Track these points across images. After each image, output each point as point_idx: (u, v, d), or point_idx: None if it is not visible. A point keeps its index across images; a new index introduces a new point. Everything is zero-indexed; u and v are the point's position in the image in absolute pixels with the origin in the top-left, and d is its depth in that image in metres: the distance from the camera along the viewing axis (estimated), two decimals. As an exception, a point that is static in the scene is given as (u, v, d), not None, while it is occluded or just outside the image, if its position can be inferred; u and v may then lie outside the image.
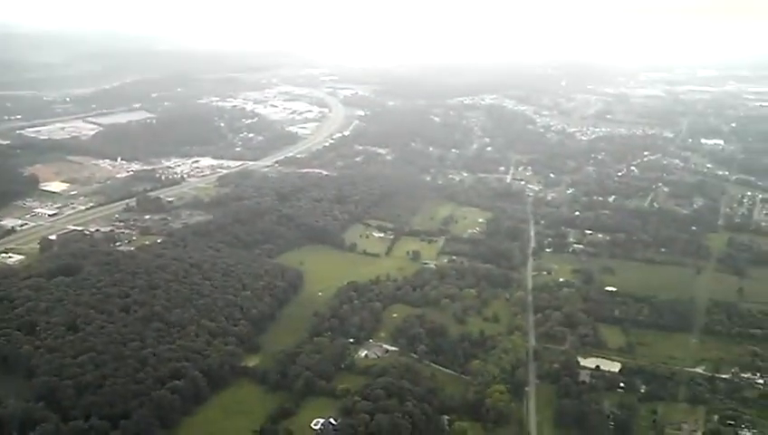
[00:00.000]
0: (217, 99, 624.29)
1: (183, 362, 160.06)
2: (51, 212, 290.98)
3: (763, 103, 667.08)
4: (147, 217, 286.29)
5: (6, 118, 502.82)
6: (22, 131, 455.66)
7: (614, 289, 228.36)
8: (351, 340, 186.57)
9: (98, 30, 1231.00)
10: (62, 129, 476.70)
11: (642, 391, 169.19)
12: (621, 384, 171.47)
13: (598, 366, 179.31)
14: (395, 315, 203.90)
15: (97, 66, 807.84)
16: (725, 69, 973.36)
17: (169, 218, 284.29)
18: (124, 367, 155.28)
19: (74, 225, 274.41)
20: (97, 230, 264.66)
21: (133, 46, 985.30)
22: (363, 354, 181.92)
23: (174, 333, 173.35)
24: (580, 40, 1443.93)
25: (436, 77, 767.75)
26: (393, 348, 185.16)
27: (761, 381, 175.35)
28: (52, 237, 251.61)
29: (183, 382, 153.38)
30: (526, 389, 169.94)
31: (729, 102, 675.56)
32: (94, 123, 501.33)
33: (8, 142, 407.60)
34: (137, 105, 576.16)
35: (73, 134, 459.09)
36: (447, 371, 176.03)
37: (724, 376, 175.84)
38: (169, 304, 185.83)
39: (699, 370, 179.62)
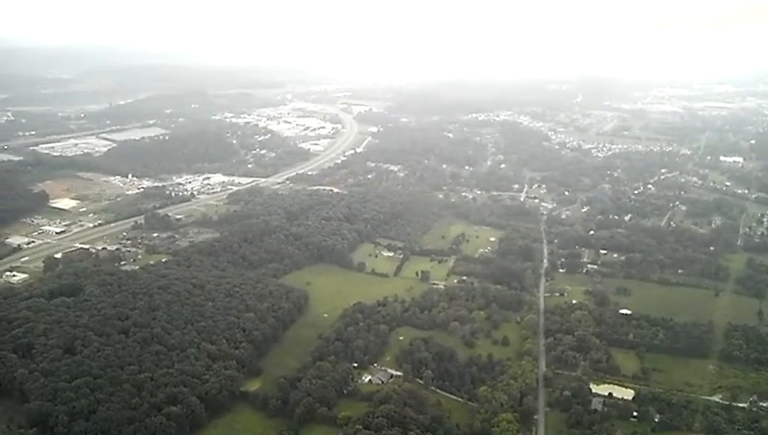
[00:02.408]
0: (231, 115, 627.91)
1: (180, 387, 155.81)
2: (58, 230, 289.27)
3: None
4: (154, 234, 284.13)
5: (21, 134, 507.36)
6: (35, 147, 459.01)
7: (629, 312, 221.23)
8: (355, 364, 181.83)
9: (113, 46, 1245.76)
10: (76, 145, 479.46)
11: (656, 420, 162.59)
12: (635, 413, 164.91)
13: (611, 393, 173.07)
14: (401, 338, 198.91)
15: (111, 82, 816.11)
16: (744, 84, 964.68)
17: (177, 236, 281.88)
18: (120, 392, 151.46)
19: (81, 243, 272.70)
20: (103, 248, 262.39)
21: (148, 62, 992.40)
22: (367, 379, 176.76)
23: (173, 357, 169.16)
24: (596, 55, 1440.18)
25: (451, 93, 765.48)
26: (398, 373, 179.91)
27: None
28: (58, 256, 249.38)
29: (179, 408, 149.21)
30: (535, 417, 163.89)
31: (748, 119, 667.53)
32: (108, 139, 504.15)
33: (20, 158, 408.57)
34: (151, 121, 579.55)
35: (86, 150, 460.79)
36: (454, 397, 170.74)
37: (741, 405, 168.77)
38: (170, 325, 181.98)
39: (716, 398, 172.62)
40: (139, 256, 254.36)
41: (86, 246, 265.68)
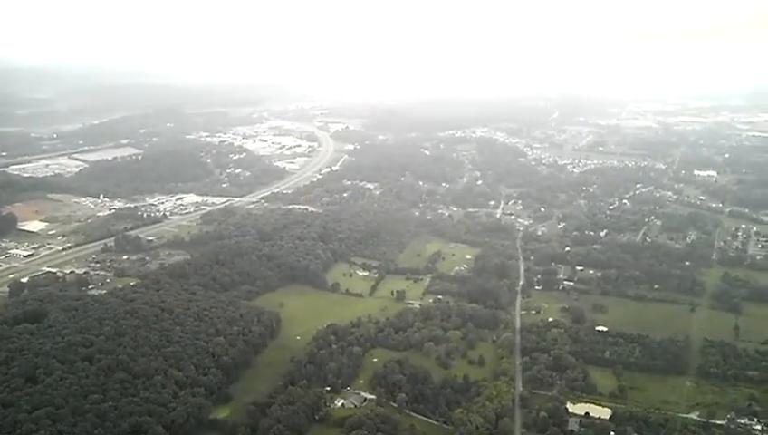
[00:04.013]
0: (206, 134, 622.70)
1: (145, 417, 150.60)
2: (26, 253, 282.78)
3: (756, 133, 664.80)
4: (124, 257, 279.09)
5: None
6: (5, 169, 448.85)
7: (605, 329, 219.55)
8: (328, 388, 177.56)
9: (91, 65, 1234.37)
10: (47, 166, 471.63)
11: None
12: (612, 433, 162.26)
13: (587, 413, 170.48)
14: (375, 360, 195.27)
15: (88, 101, 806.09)
16: (718, 99, 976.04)
17: (147, 259, 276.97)
18: (82, 422, 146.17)
19: (49, 266, 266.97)
20: (71, 272, 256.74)
21: (125, 81, 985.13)
22: (340, 404, 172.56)
23: (138, 385, 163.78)
24: (572, 71, 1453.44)
25: (428, 110, 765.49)
26: (371, 396, 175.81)
27: (758, 427, 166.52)
28: (24, 280, 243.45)
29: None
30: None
31: (722, 133, 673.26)
32: (80, 160, 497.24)
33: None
34: (124, 141, 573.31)
35: (57, 171, 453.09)
36: (428, 420, 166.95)
37: (719, 422, 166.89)
38: (135, 352, 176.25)
39: (693, 416, 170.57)
40: (108, 280, 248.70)
41: (54, 270, 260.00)
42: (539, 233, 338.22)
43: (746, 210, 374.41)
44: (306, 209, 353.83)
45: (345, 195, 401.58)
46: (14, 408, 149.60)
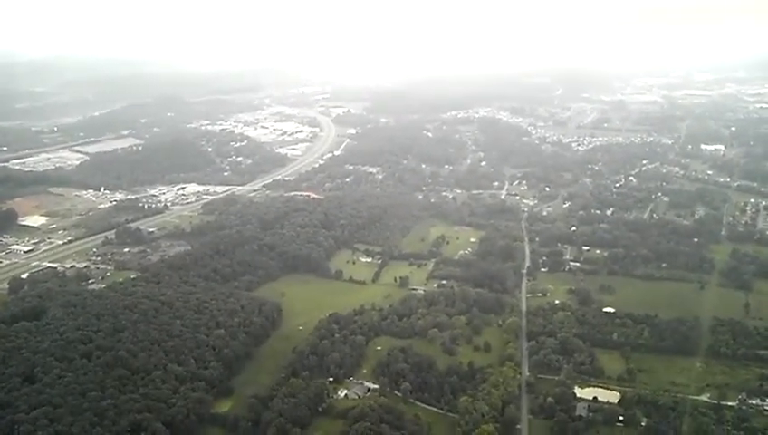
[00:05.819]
0: (207, 122, 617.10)
1: (144, 414, 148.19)
2: (26, 248, 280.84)
3: (764, 105, 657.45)
4: (125, 250, 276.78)
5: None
6: (6, 163, 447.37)
7: (612, 310, 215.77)
8: (331, 379, 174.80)
9: (89, 56, 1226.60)
10: (48, 159, 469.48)
11: (643, 423, 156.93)
12: (621, 417, 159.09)
13: (595, 397, 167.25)
14: (379, 349, 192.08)
15: (87, 93, 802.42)
16: (722, 71, 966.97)
17: (149, 250, 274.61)
18: (81, 421, 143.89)
19: (50, 261, 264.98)
20: (72, 266, 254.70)
21: (125, 71, 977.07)
22: (343, 395, 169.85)
23: (138, 381, 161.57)
24: (575, 48, 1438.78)
25: (430, 91, 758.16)
26: (375, 386, 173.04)
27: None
28: (24, 276, 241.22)
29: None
30: (518, 426, 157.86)
31: (728, 105, 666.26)
32: (80, 152, 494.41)
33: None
34: (125, 132, 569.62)
35: (58, 165, 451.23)
36: (433, 409, 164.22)
37: (730, 403, 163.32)
38: (135, 347, 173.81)
39: (704, 397, 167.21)
40: (108, 274, 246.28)
41: (54, 265, 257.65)
42: (544, 213, 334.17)
43: (755, 184, 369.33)
44: (308, 196, 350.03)
45: (347, 180, 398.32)
46: (12, 408, 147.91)
